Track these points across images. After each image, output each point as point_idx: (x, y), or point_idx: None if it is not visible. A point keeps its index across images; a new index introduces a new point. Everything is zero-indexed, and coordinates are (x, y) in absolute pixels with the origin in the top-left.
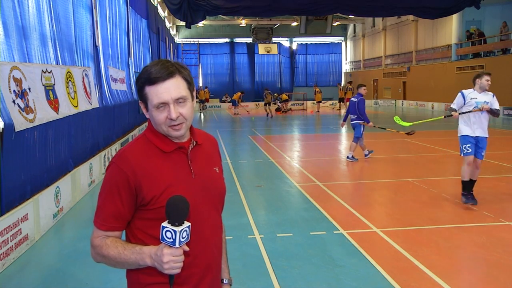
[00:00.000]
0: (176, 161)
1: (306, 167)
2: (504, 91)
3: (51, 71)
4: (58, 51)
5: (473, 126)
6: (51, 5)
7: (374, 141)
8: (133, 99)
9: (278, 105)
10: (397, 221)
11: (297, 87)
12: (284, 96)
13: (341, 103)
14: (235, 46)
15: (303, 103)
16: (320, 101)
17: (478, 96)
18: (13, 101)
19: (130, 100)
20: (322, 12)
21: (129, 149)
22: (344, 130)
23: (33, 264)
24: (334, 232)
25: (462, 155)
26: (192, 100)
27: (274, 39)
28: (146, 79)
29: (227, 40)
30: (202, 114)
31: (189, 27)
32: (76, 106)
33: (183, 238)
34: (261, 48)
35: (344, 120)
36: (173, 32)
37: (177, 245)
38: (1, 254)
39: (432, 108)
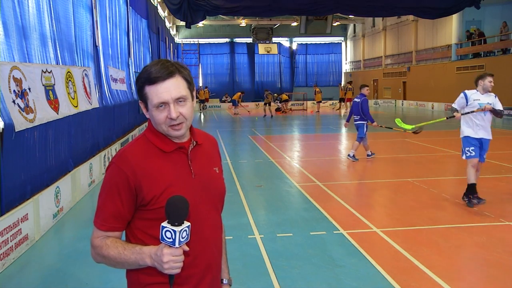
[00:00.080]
0: (176, 161)
1: (306, 167)
2: (504, 91)
3: (51, 71)
4: (58, 51)
5: (475, 128)
6: (51, 5)
7: (374, 141)
8: (133, 99)
9: (278, 105)
10: (397, 221)
11: (297, 87)
12: (284, 96)
13: (341, 103)
14: (235, 46)
15: (303, 103)
16: (320, 101)
17: (481, 98)
18: (13, 101)
19: (130, 100)
20: (322, 12)
21: (129, 149)
22: (344, 130)
23: (33, 264)
24: (334, 232)
25: (464, 157)
26: (192, 100)
27: (274, 39)
28: (146, 78)
29: (227, 40)
30: (202, 114)
31: (189, 27)
32: (76, 106)
33: (183, 238)
34: (261, 48)
35: (347, 121)
36: (173, 32)
37: (177, 245)
38: (1, 254)
39: (432, 108)
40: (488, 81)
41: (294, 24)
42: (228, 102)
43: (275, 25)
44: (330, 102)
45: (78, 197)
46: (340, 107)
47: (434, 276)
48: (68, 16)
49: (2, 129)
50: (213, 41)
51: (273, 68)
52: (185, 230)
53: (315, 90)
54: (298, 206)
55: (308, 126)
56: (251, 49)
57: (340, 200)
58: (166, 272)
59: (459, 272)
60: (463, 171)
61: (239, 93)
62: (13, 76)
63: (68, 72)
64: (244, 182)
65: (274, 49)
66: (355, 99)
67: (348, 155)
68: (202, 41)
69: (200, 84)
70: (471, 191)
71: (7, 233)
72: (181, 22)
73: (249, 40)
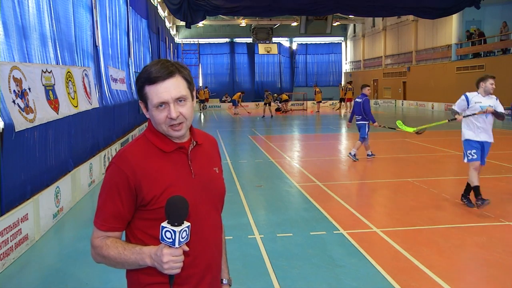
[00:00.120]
0: (176, 161)
1: (306, 167)
2: (504, 91)
3: (51, 71)
4: (58, 51)
5: (477, 130)
6: (51, 5)
7: (374, 141)
8: (133, 99)
9: (278, 105)
10: (397, 221)
11: (297, 87)
12: (284, 96)
13: (342, 103)
14: (235, 46)
15: (303, 103)
16: (320, 101)
17: (483, 100)
18: (13, 101)
19: (130, 100)
20: (322, 12)
21: (129, 149)
22: (344, 130)
23: (33, 264)
24: (334, 232)
25: (466, 161)
26: (192, 99)
27: (274, 39)
28: (146, 78)
29: (227, 40)
30: (202, 114)
31: (189, 27)
32: (76, 106)
33: (182, 238)
34: (261, 48)
35: (350, 121)
36: (173, 32)
37: (176, 245)
38: (1, 254)
39: (432, 108)
40: (489, 83)
41: (294, 24)
42: (228, 102)
43: (275, 25)
44: (330, 102)
45: (78, 197)
46: (340, 107)
47: (434, 276)
48: (68, 16)
49: (2, 129)
50: (213, 41)
51: (273, 68)
52: (185, 230)
53: (315, 90)
54: (298, 206)
55: (308, 126)
56: (251, 49)
57: (340, 200)
58: (166, 272)
59: (459, 272)
60: (463, 171)
61: (239, 93)
62: (13, 76)
63: (68, 72)
64: (244, 182)
65: (274, 49)
66: (357, 99)
67: (350, 153)
68: (202, 41)
69: (200, 84)
70: (475, 194)
71: (7, 233)
72: (181, 22)
73: (249, 40)
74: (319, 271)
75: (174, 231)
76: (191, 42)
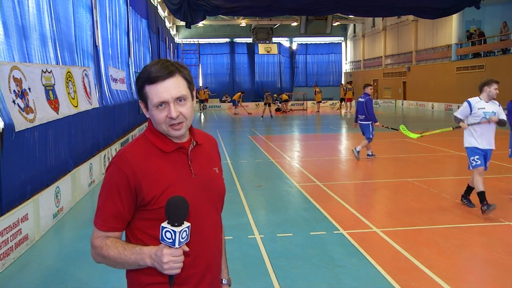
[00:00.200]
0: (176, 161)
1: (306, 167)
2: (504, 91)
3: (51, 71)
4: (58, 51)
5: (479, 138)
6: (51, 5)
7: (374, 141)
8: (133, 99)
9: (278, 106)
10: (397, 221)
11: (297, 87)
12: (284, 96)
13: (342, 103)
14: (235, 46)
15: (303, 103)
16: (320, 101)
17: (486, 106)
18: (13, 101)
19: (130, 100)
20: (322, 12)
21: (129, 149)
22: (344, 130)
23: (33, 264)
24: (334, 232)
25: (471, 168)
26: (192, 99)
27: (274, 39)
28: (146, 78)
29: (227, 40)
30: (202, 114)
31: (189, 27)
32: (76, 106)
33: (182, 238)
34: (261, 48)
35: (356, 121)
36: (173, 32)
37: (176, 245)
38: (1, 254)
39: (432, 108)
40: (494, 88)
41: (294, 24)
42: (228, 102)
43: (275, 25)
44: (330, 102)
45: (78, 197)
46: (340, 107)
47: (434, 276)
48: (68, 16)
49: (2, 129)
50: (213, 41)
51: (273, 68)
52: (185, 231)
53: (315, 90)
54: (298, 206)
55: (308, 126)
56: (251, 49)
57: (340, 200)
58: (166, 273)
59: (459, 272)
60: (463, 171)
61: (239, 93)
62: (13, 76)
63: (68, 72)
64: (244, 182)
65: (274, 49)
66: (360, 99)
67: (355, 148)
68: (202, 41)
69: (200, 84)
70: (481, 200)
71: (7, 233)
72: (181, 22)
73: (249, 40)
74: (319, 271)
75: (174, 231)
76: (191, 42)
